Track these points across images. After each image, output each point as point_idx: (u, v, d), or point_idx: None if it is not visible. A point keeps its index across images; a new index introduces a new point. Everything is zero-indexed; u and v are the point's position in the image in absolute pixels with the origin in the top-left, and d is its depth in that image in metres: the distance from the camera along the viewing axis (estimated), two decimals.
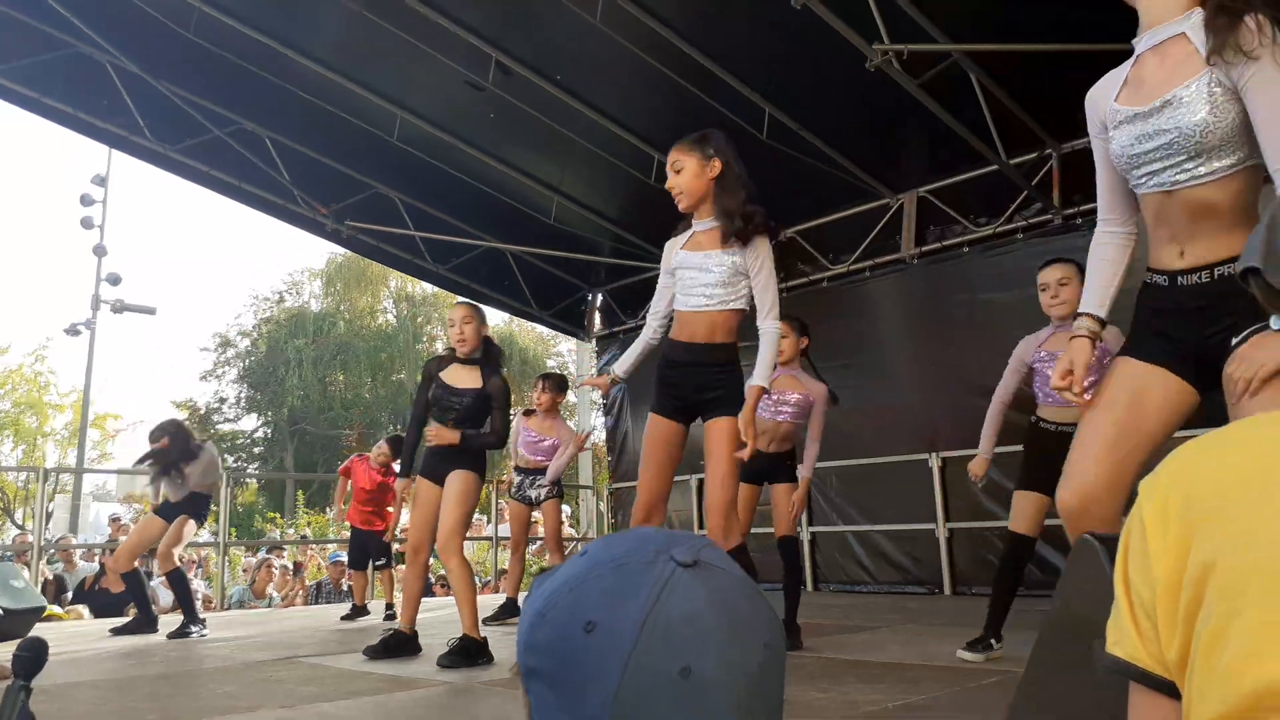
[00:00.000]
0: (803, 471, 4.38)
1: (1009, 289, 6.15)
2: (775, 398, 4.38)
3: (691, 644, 0.69)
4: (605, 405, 9.69)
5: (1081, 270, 3.56)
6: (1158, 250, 1.98)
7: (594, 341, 9.87)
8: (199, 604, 6.03)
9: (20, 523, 20.35)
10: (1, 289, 38.69)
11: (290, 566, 9.88)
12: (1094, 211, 6.91)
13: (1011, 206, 6.52)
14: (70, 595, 8.37)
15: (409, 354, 24.55)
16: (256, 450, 25.48)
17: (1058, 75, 5.49)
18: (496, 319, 24.19)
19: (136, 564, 5.58)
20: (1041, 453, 3.50)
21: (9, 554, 8.93)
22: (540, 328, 16.51)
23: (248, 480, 23.63)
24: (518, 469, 5.89)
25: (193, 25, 6.16)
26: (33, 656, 0.96)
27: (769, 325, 3.08)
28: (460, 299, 4.40)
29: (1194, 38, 1.81)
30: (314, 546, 11.70)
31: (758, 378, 3.06)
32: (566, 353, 23.75)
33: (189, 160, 7.48)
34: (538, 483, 5.80)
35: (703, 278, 3.09)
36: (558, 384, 6.06)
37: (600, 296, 9.66)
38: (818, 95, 6.14)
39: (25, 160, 54.84)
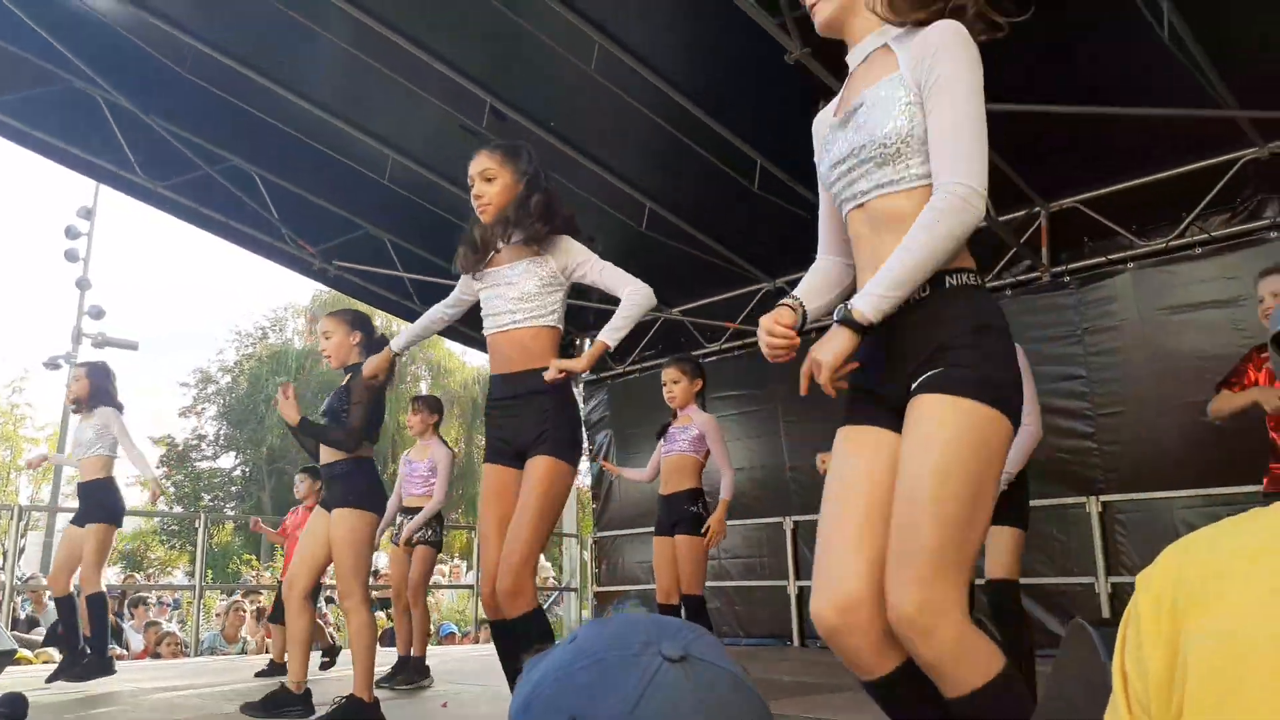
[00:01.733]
0: (723, 494, 4.39)
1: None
2: (672, 432, 4.48)
3: None
4: (592, 451, 9.62)
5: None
6: (859, 278, 1.77)
7: (581, 386, 9.82)
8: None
9: None
10: None
11: (261, 610, 9.67)
12: (1084, 269, 6.98)
13: (1000, 263, 6.56)
14: (43, 636, 8.17)
15: (392, 395, 24.47)
16: (234, 489, 25.18)
17: (1045, 134, 5.57)
18: (481, 360, 24.18)
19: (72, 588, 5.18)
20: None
21: None
22: None
23: (225, 520, 23.30)
24: (403, 510, 5.47)
25: (188, 63, 6.17)
26: (13, 713, 0.91)
27: (633, 288, 2.86)
28: (332, 311, 4.19)
29: (895, 47, 1.74)
30: None
31: (605, 331, 2.83)
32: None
33: (178, 197, 7.45)
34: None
35: (508, 292, 2.87)
36: (430, 404, 5.70)
37: (588, 342, 9.64)
38: (810, 148, 6.17)
39: (10, 191, 54.71)
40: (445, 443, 5.75)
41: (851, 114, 1.78)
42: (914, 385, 1.63)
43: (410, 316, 9.13)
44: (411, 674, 5.12)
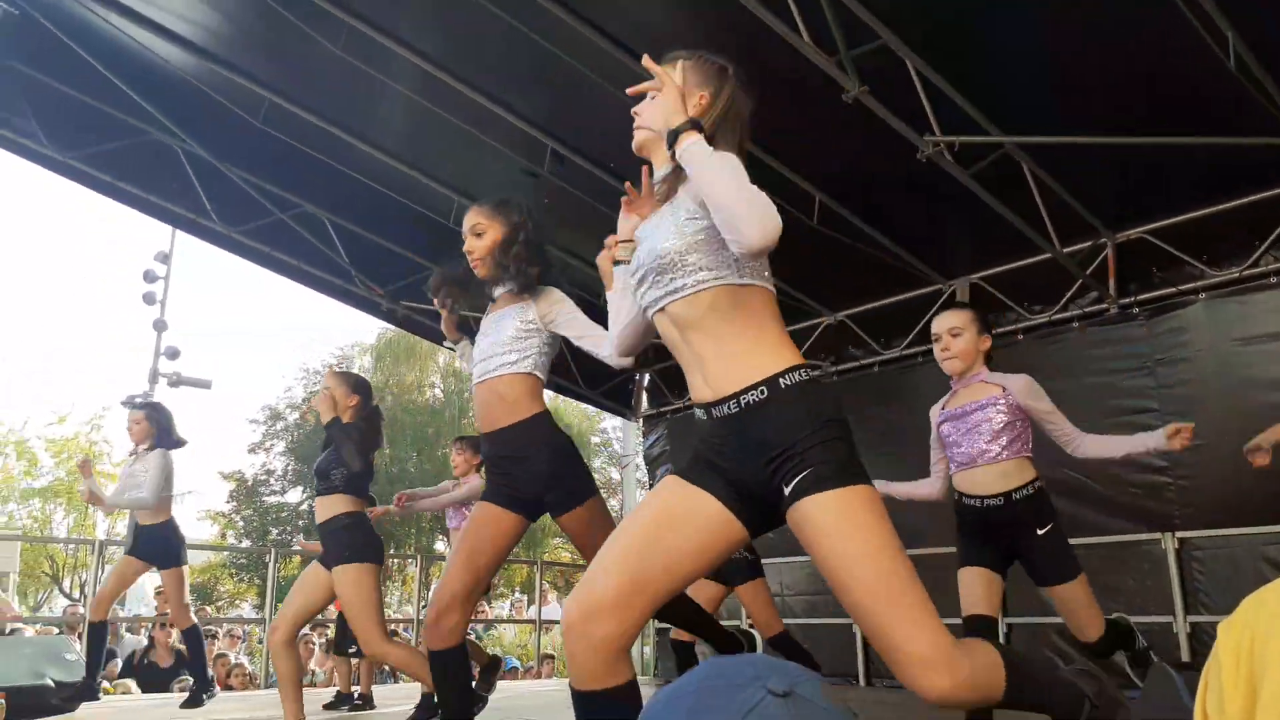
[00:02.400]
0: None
1: (1066, 377, 6.02)
2: None
3: None
4: (652, 486, 9.62)
5: (979, 319, 3.42)
6: (689, 378, 1.93)
7: (640, 421, 9.86)
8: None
9: (68, 592, 20.55)
10: (64, 360, 39.83)
11: (329, 642, 9.81)
12: (1152, 301, 6.84)
13: (1066, 295, 6.46)
14: (120, 668, 8.39)
15: (455, 429, 24.68)
16: (301, 523, 25.62)
17: (1111, 165, 5.50)
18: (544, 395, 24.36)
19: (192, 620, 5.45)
20: (972, 535, 3.34)
21: (61, 626, 8.99)
22: (586, 405, 16.58)
23: (294, 554, 23.73)
24: None
25: (262, 113, 6.42)
26: None
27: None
28: (339, 371, 4.32)
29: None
30: None
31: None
32: (611, 430, 23.76)
33: (251, 242, 7.70)
34: None
35: (488, 339, 2.94)
36: (474, 444, 5.59)
37: (648, 377, 9.69)
38: (868, 182, 6.19)
39: (93, 236, 56.91)
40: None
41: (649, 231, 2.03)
42: (787, 490, 1.75)
43: None
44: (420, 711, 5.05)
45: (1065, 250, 6.05)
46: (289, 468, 25.65)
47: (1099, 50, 4.79)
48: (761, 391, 1.80)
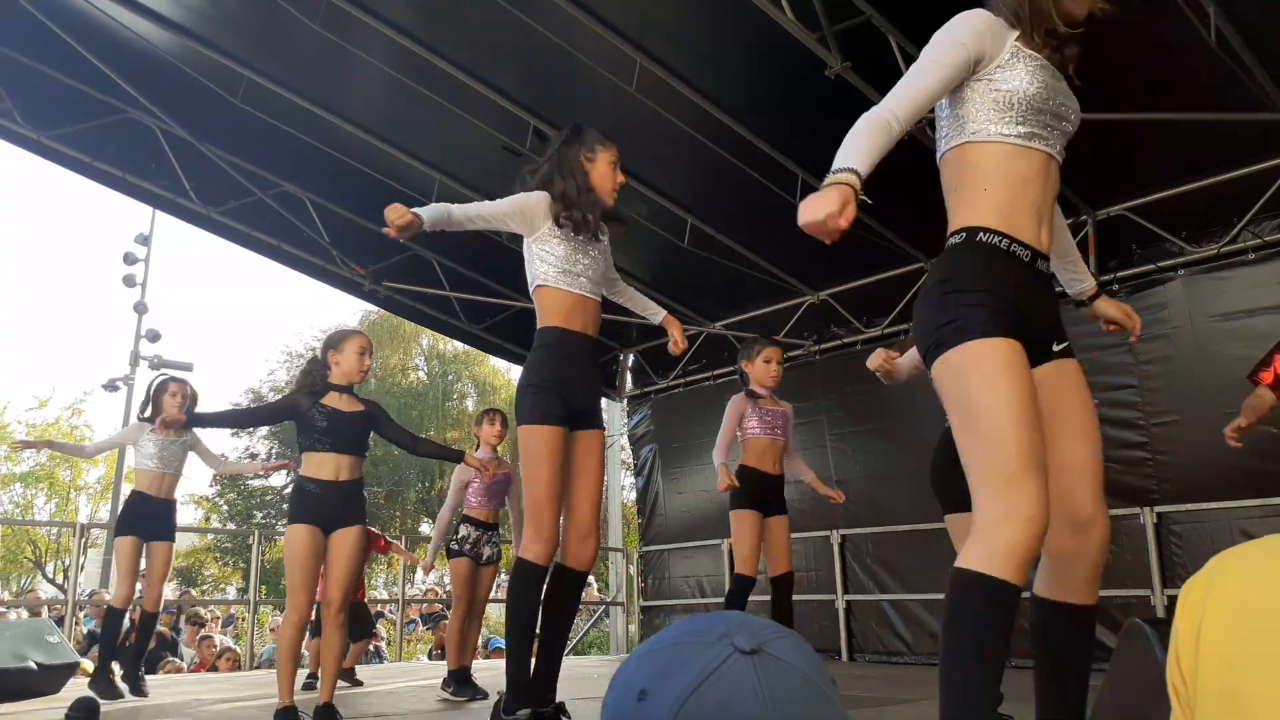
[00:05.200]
0: (810, 476, 4.89)
1: None
2: (770, 413, 4.53)
3: None
4: (636, 466, 9.66)
5: None
6: (1021, 217, 1.93)
7: (625, 401, 9.86)
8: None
9: (51, 576, 20.46)
10: (44, 344, 39.49)
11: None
12: (1132, 277, 6.86)
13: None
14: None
15: (439, 411, 24.67)
16: (285, 506, 25.59)
17: (1092, 142, 5.51)
18: None
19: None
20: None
21: (43, 609, 8.96)
22: None
23: (277, 537, 23.70)
24: (471, 522, 5.30)
25: (240, 92, 6.36)
26: (86, 717, 0.96)
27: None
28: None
29: None
30: None
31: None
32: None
33: (231, 222, 7.65)
34: (491, 539, 5.33)
35: (598, 265, 3.28)
36: (506, 419, 5.47)
37: (632, 357, 9.69)
38: None
39: (72, 218, 56.28)
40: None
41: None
42: (1058, 346, 1.98)
43: (456, 333, 9.27)
44: (457, 685, 5.09)
45: None
46: (272, 451, 25.57)
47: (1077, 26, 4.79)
48: (1049, 266, 2.03)
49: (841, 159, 1.86)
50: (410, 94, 6.15)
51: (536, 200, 3.13)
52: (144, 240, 16.77)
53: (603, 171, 3.27)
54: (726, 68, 5.70)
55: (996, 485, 1.74)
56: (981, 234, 1.92)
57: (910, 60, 4.85)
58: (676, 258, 7.23)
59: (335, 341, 4.03)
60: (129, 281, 16.66)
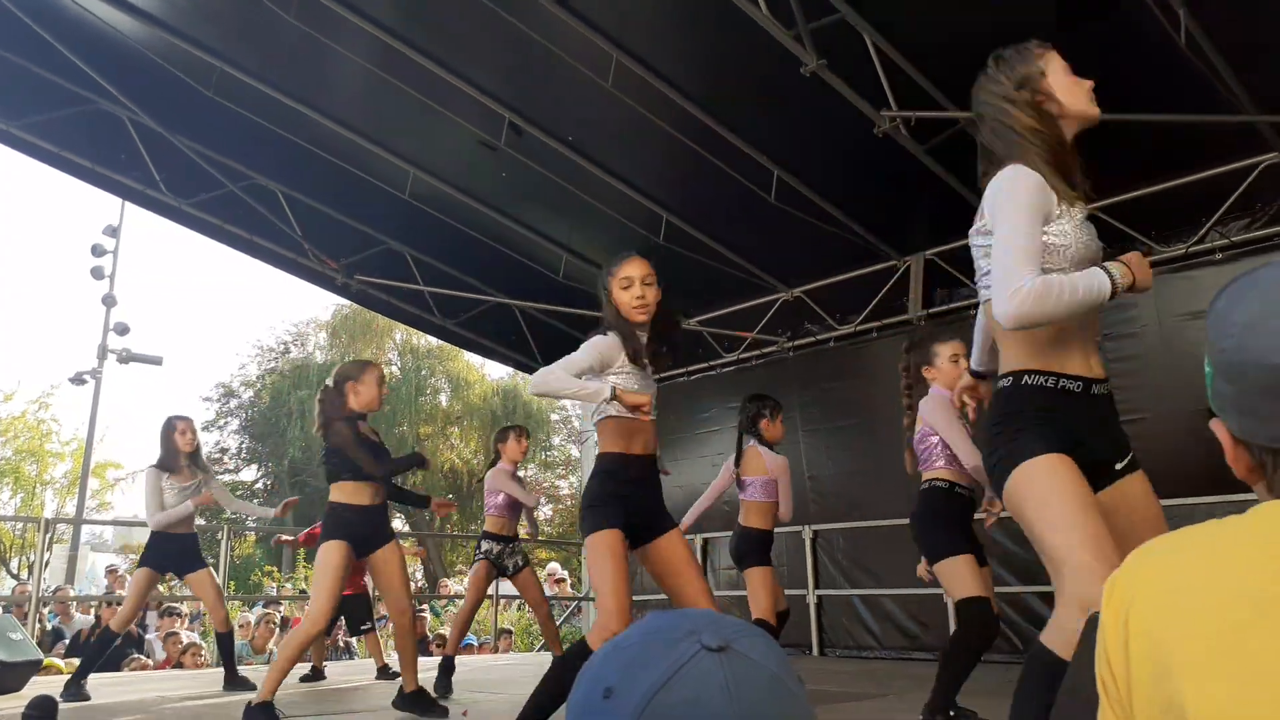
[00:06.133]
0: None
1: None
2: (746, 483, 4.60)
3: None
4: None
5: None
6: (1069, 351, 1.99)
7: None
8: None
9: (15, 572, 20.15)
10: (10, 336, 38.88)
11: (279, 620, 9.73)
12: None
13: None
14: (66, 647, 8.26)
15: (411, 406, 24.53)
16: (256, 502, 25.36)
17: None
18: (501, 373, 24.21)
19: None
20: (957, 520, 3.50)
21: (8, 606, 8.82)
22: None
23: (247, 532, 23.47)
24: (493, 536, 5.43)
25: (212, 82, 6.28)
26: (43, 715, 0.94)
27: None
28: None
29: None
30: None
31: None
32: (570, 406, 23.71)
33: (202, 214, 7.56)
34: (513, 549, 5.50)
35: (648, 389, 3.09)
36: (521, 432, 5.74)
37: None
38: (826, 158, 6.22)
39: (39, 209, 55.45)
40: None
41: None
42: (1120, 465, 2.03)
43: (430, 328, 9.23)
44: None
45: None
46: (243, 446, 25.35)
47: (1048, 25, 4.83)
48: (1107, 388, 2.04)
49: (1100, 280, 1.88)
50: (385, 87, 6.10)
51: (609, 344, 3.01)
52: (113, 232, 16.54)
53: (618, 297, 3.08)
54: (703, 64, 5.70)
55: (1070, 572, 1.79)
56: (1027, 377, 1.96)
57: (885, 58, 4.89)
58: (651, 254, 7.21)
59: (353, 374, 4.20)
60: (97, 274, 16.43)
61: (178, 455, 5.27)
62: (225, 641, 5.48)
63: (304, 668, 6.21)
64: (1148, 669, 0.76)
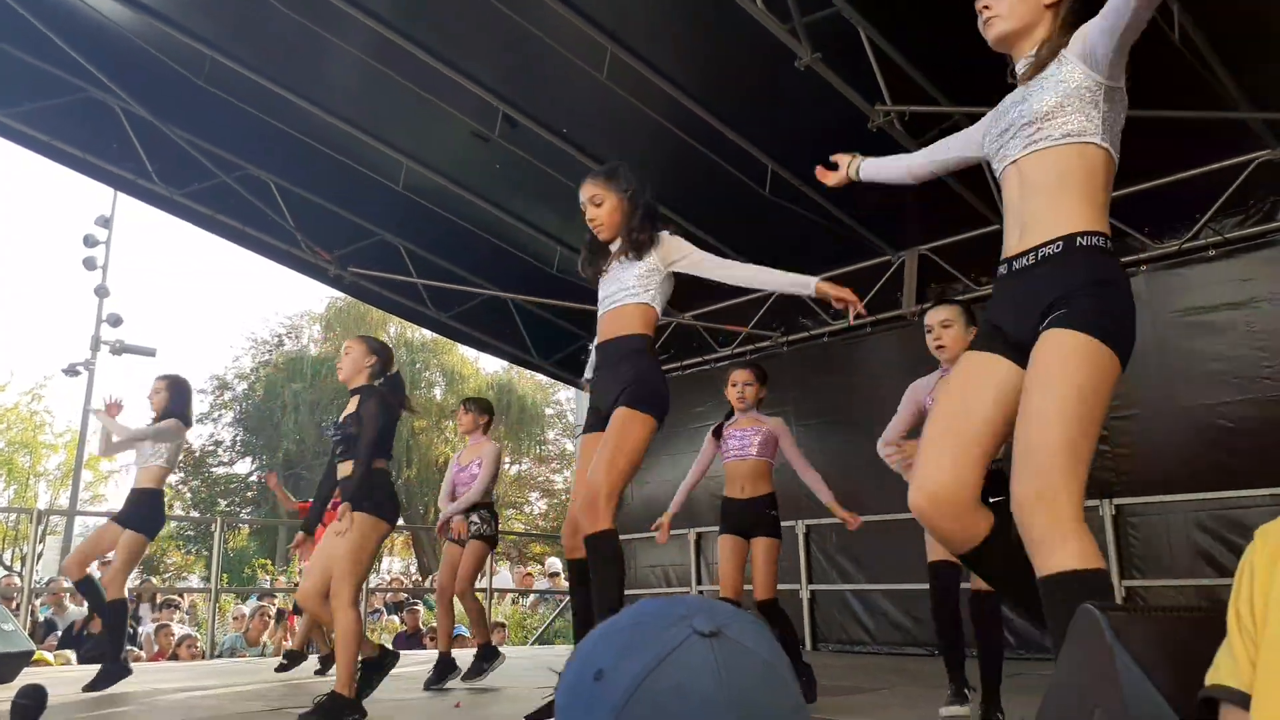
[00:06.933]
0: (826, 498, 4.55)
1: None
2: (737, 435, 4.47)
3: (676, 714, 0.69)
4: None
5: (967, 313, 3.64)
6: (1008, 234, 2.13)
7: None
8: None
9: (9, 564, 20.12)
10: (2, 327, 38.74)
11: (275, 613, 9.72)
12: None
13: None
14: (59, 639, 8.24)
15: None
16: (250, 494, 25.33)
17: None
18: (495, 366, 24.18)
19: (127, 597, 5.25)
20: None
21: None
22: (539, 376, 16.55)
23: (241, 525, 23.45)
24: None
25: (205, 72, 6.25)
26: (33, 704, 0.94)
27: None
28: (362, 335, 4.38)
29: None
30: None
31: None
32: (565, 400, 23.73)
33: (195, 204, 7.53)
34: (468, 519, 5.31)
35: (613, 283, 3.31)
36: (481, 406, 5.66)
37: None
38: (820, 153, 6.17)
39: (30, 200, 55.20)
40: (490, 442, 5.61)
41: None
42: (1042, 325, 1.92)
43: (424, 321, 9.20)
44: (482, 663, 5.22)
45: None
46: (237, 438, 25.30)
47: None
48: (1057, 245, 1.95)
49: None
50: (379, 78, 6.08)
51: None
52: (105, 222, 16.47)
53: None
54: (697, 57, 5.69)
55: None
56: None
57: (879, 53, 4.88)
58: None
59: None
60: (89, 264, 16.36)
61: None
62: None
63: (305, 660, 6.21)
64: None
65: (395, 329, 25.19)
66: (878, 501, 6.90)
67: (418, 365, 25.59)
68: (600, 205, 3.33)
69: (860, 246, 7.06)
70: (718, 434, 4.65)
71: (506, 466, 24.31)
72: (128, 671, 5.00)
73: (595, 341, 3.32)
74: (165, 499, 5.32)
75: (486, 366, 24.85)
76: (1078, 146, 2.01)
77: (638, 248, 3.27)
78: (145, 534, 5.15)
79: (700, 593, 8.21)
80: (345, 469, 3.86)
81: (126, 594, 5.23)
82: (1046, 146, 2.02)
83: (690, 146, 6.05)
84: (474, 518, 5.32)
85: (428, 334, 21.99)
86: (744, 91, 5.80)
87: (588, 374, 3.48)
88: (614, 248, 3.37)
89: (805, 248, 7.21)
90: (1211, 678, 0.91)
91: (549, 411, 24.54)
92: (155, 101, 6.68)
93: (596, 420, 3.25)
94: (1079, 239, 1.94)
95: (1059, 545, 1.79)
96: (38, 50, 6.35)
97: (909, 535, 6.68)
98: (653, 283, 3.27)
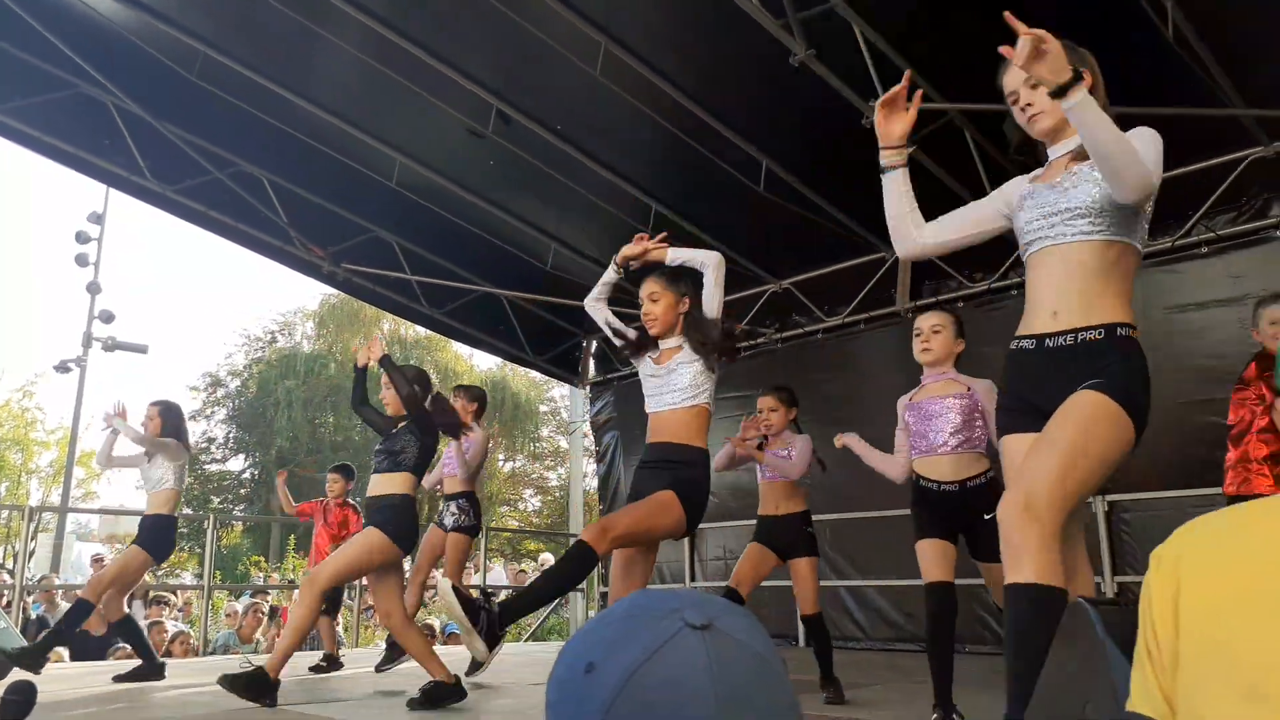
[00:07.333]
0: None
1: (1005, 344, 6.13)
2: (770, 457, 4.49)
3: (668, 708, 0.68)
4: (598, 452, 9.65)
5: (957, 324, 3.65)
6: (1031, 315, 2.32)
7: (588, 388, 9.85)
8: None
9: (0, 561, 20.05)
10: None
11: (268, 609, 9.70)
12: None
13: (1006, 263, 6.57)
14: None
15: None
16: (243, 491, 25.28)
17: None
18: (489, 363, 24.16)
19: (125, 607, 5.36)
20: (930, 512, 3.50)
21: None
22: (533, 373, 16.54)
23: (234, 522, 23.39)
24: (446, 497, 5.48)
25: (196, 68, 6.23)
26: (23, 700, 0.94)
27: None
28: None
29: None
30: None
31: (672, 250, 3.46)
32: (559, 398, 23.70)
33: (187, 201, 7.50)
34: (450, 509, 5.35)
35: (670, 383, 3.35)
36: (471, 393, 5.66)
37: (594, 343, 9.67)
38: (814, 149, 6.21)
39: (22, 195, 54.99)
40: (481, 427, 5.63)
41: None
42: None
43: (418, 318, 9.20)
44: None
45: None
46: (230, 435, 25.24)
47: (1036, 20, 4.83)
48: (1099, 332, 2.14)
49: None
50: (373, 74, 6.06)
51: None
52: (97, 219, 16.41)
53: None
54: (692, 54, 5.68)
55: None
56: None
57: (874, 50, 4.88)
58: None
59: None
60: (81, 261, 16.30)
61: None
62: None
63: (313, 657, 6.19)
64: (1200, 638, 0.80)
65: (389, 326, 25.15)
66: (870, 498, 6.92)
67: (412, 362, 25.51)
68: (657, 302, 3.39)
69: (854, 243, 7.07)
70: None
71: (501, 464, 24.30)
72: (160, 674, 5.18)
73: (648, 439, 3.38)
74: (178, 526, 5.43)
75: (480, 363, 24.83)
76: (1120, 245, 2.19)
77: (704, 355, 3.35)
78: (154, 556, 5.26)
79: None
80: (376, 482, 4.10)
81: (126, 608, 5.38)
82: (1092, 239, 2.18)
83: (684, 143, 6.05)
84: (453, 507, 5.32)
85: (421, 331, 21.97)
86: (739, 88, 5.80)
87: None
88: (664, 344, 3.43)
89: (799, 244, 7.23)
90: (1142, 706, 0.87)
91: (543, 409, 24.53)
92: (148, 97, 6.65)
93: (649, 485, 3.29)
94: (1119, 329, 2.14)
95: (1029, 558, 1.90)
96: (29, 46, 6.31)
97: (902, 531, 6.71)
98: (704, 388, 3.35)
